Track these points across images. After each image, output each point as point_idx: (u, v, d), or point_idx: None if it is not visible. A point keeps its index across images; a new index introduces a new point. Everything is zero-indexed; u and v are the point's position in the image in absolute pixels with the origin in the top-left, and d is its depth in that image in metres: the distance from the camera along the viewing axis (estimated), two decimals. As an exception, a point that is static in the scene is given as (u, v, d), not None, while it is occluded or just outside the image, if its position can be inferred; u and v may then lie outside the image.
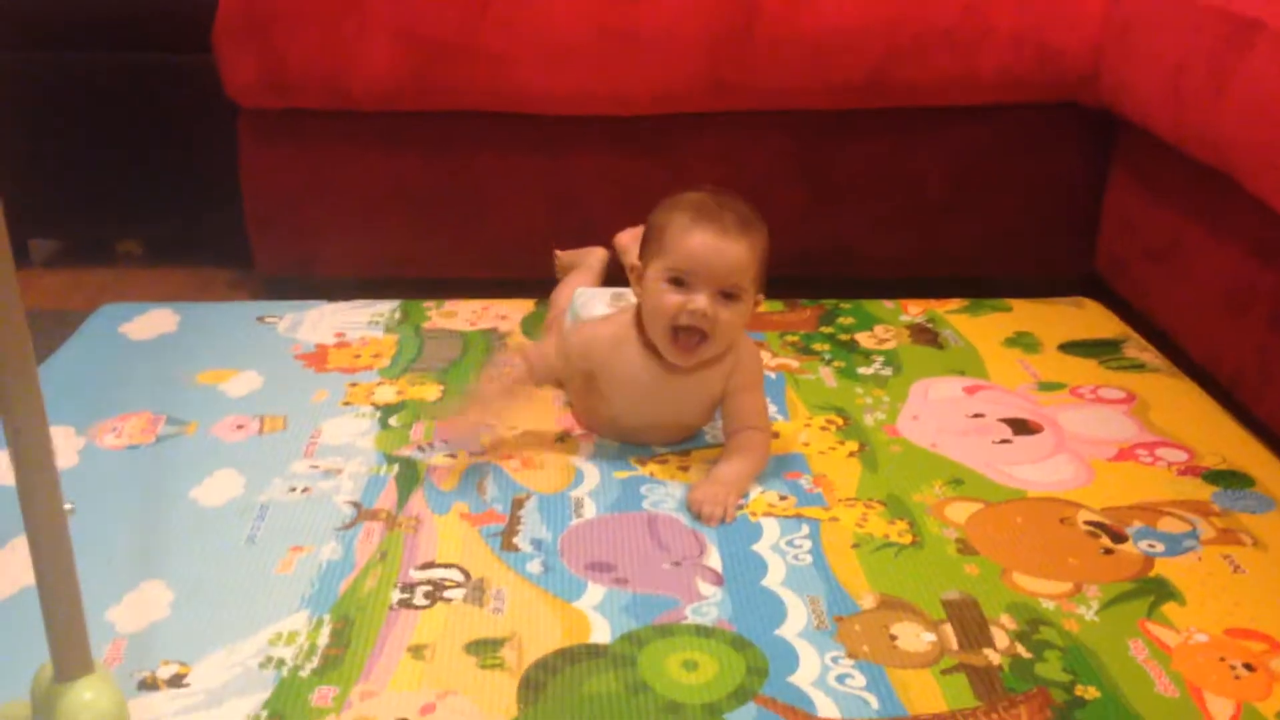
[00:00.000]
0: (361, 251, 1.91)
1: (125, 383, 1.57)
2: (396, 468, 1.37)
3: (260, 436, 1.44)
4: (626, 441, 1.43)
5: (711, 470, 1.35)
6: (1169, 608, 1.14)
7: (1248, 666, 1.06)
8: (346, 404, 1.52)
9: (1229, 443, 1.45)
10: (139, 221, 2.13)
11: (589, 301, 1.54)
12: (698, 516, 1.28)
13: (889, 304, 1.86)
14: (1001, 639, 1.09)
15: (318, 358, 1.65)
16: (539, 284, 1.85)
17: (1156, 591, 1.16)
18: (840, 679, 1.04)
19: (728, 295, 1.30)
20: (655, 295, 1.31)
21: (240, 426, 1.46)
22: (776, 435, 1.44)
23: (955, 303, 1.87)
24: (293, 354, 1.66)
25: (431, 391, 1.56)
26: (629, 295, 1.48)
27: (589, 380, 1.40)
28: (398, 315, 1.80)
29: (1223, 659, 1.07)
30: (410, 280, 1.92)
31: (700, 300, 1.28)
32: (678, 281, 1.29)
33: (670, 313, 1.30)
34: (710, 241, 1.27)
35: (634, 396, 1.38)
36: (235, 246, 1.96)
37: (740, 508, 1.30)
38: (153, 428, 1.45)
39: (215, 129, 1.91)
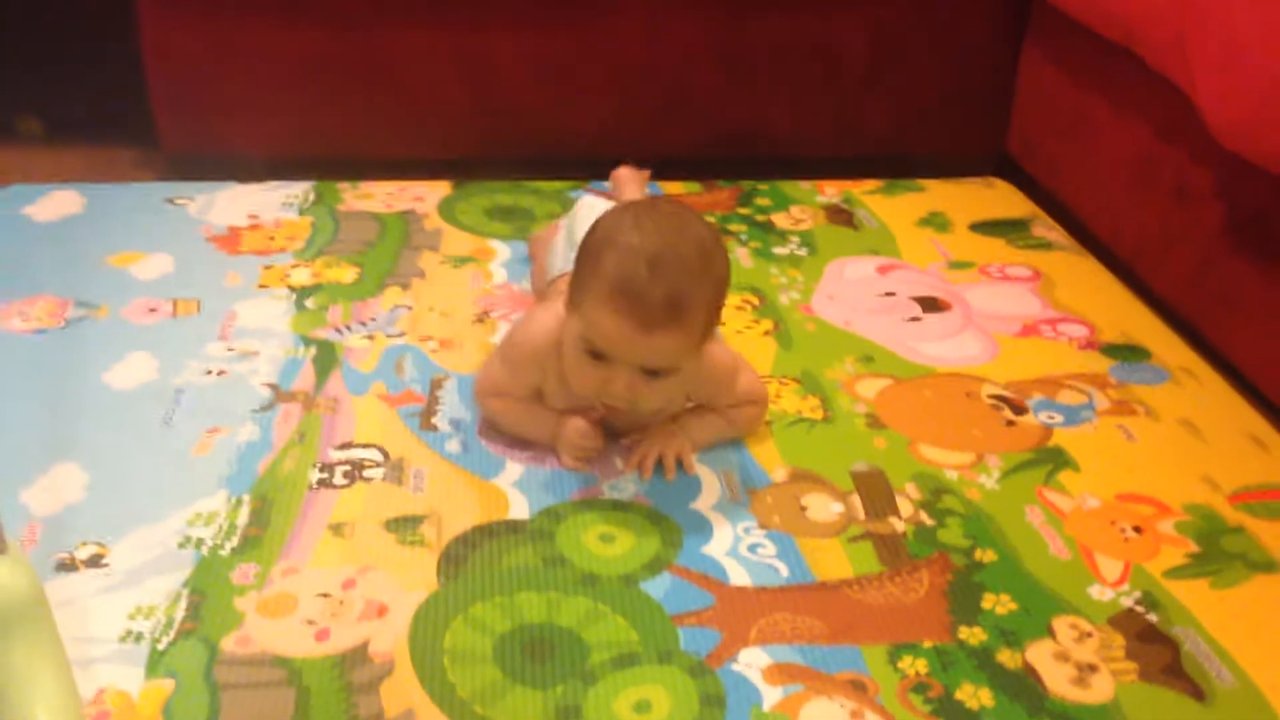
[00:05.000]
0: (272, 129, 1.85)
1: (31, 266, 1.52)
2: (314, 350, 1.36)
3: (173, 320, 1.42)
4: None
5: (679, 416, 1.20)
6: (1065, 475, 1.19)
7: (1136, 529, 1.11)
8: (262, 287, 1.50)
9: (1128, 317, 1.50)
10: (39, 99, 2.03)
11: (589, 216, 1.21)
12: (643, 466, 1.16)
13: (805, 185, 1.87)
14: (906, 508, 1.13)
15: (230, 240, 1.62)
16: (456, 164, 1.82)
17: (1054, 460, 1.21)
18: (752, 548, 1.07)
19: (656, 373, 1.09)
20: (573, 360, 1.10)
21: (152, 309, 1.43)
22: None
23: (870, 183, 1.88)
24: (204, 236, 1.63)
25: (348, 274, 1.54)
26: None
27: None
28: (311, 197, 1.76)
29: (1113, 522, 1.12)
30: (323, 159, 1.88)
31: (619, 383, 1.08)
32: (597, 355, 1.08)
33: (589, 388, 1.10)
34: (628, 334, 1.04)
35: (572, 405, 1.18)
36: (140, 125, 1.90)
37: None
38: (61, 311, 1.42)
39: None
